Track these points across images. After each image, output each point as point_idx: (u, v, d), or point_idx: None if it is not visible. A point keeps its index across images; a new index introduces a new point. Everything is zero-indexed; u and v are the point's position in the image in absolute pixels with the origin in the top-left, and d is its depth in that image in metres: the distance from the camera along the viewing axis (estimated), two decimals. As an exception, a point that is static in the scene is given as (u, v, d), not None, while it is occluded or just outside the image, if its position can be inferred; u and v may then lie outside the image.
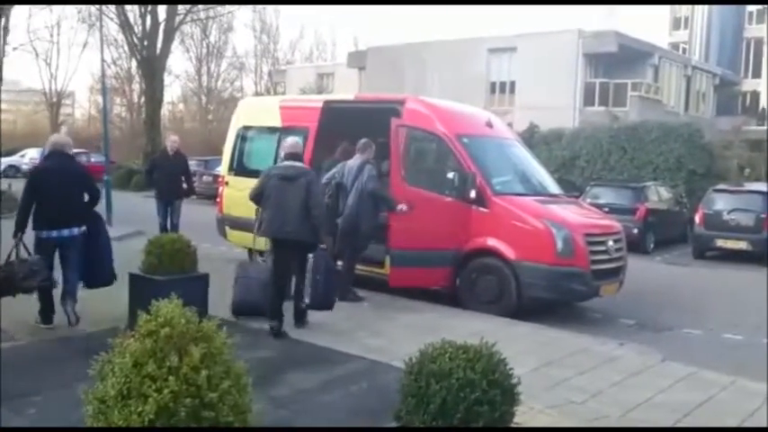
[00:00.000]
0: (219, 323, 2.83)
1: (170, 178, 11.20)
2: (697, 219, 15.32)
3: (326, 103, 9.99)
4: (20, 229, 6.38)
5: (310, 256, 6.90)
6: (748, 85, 41.87)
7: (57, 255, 6.67)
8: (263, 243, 7.62)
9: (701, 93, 35.95)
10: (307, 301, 6.96)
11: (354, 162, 8.40)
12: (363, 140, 8.51)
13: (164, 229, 10.88)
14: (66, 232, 6.56)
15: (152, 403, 2.47)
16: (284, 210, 6.71)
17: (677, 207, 17.68)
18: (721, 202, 15.17)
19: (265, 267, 7.47)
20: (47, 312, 6.60)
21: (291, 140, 7.34)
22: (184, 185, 11.56)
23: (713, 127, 24.39)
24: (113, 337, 2.87)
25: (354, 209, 8.22)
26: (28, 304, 6.63)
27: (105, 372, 2.69)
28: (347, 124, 9.45)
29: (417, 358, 3.76)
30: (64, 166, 6.68)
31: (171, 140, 11.62)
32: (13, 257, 6.23)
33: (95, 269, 6.83)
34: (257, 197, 7.03)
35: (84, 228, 6.72)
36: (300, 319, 7.05)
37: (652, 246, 15.68)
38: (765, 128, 31.70)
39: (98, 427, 2.57)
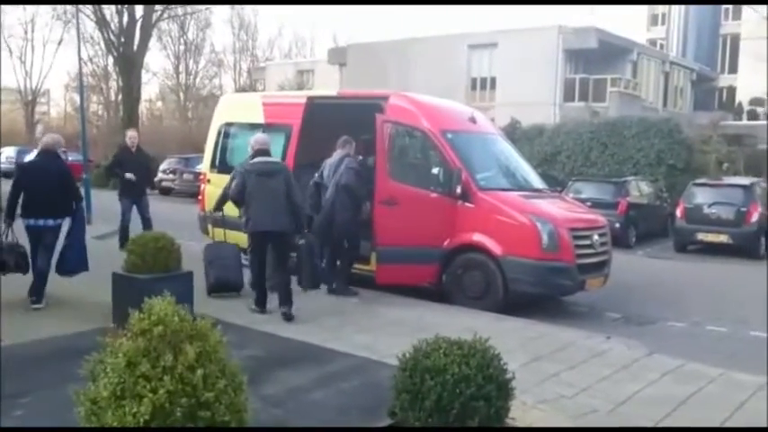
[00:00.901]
0: (214, 321, 2.78)
1: (137, 174, 10.97)
2: (678, 212, 15.45)
3: (310, 99, 9.93)
4: (9, 216, 7.21)
5: (302, 242, 7.49)
6: (724, 80, 42.32)
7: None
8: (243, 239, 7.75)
9: (679, 88, 36.27)
10: (306, 285, 7.74)
11: (334, 158, 8.45)
12: (344, 137, 8.53)
13: (126, 228, 10.74)
14: (42, 222, 7.25)
15: (147, 404, 2.41)
16: (269, 204, 7.05)
17: (658, 201, 17.85)
18: (702, 196, 15.31)
19: (234, 247, 8.15)
20: (39, 291, 7.30)
21: (261, 137, 7.66)
22: None
23: (691, 122, 24.53)
24: (102, 336, 2.81)
25: (330, 202, 8.31)
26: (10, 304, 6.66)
27: (97, 372, 2.62)
28: (331, 120, 9.39)
29: (411, 354, 3.73)
30: (50, 163, 7.40)
31: (130, 136, 11.39)
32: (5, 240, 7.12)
33: (65, 256, 7.44)
34: (239, 195, 7.22)
35: (62, 220, 7.39)
36: (289, 309, 7.24)
37: (634, 240, 15.80)
38: (742, 123, 32.12)
39: (98, 428, 2.51)
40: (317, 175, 8.63)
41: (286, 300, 7.24)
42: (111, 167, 11.48)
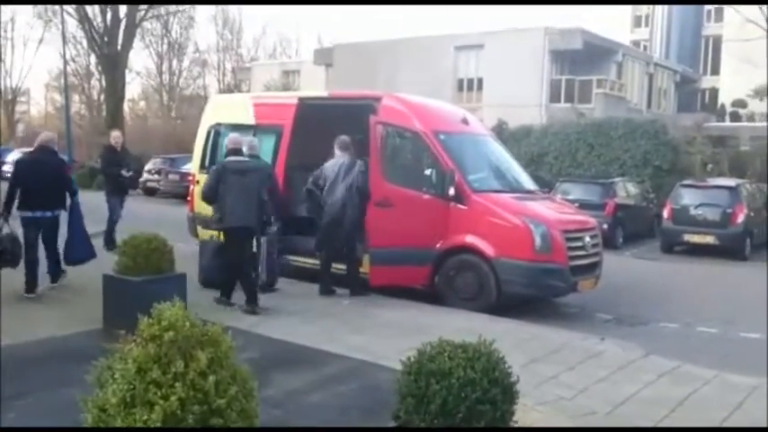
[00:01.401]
0: (225, 327, 2.74)
1: (125, 169, 11.28)
2: (665, 213, 15.56)
3: (301, 100, 9.88)
4: (6, 209, 7.59)
5: (263, 239, 7.87)
6: (707, 81, 42.72)
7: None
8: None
9: (663, 90, 36.56)
10: (264, 278, 8.06)
11: (340, 160, 8.44)
12: (343, 138, 8.50)
13: (114, 226, 11.07)
14: (39, 214, 7.68)
15: (158, 411, 2.37)
16: (243, 201, 7.39)
17: (644, 202, 17.95)
18: (688, 197, 15.42)
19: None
20: (31, 283, 7.64)
21: (234, 137, 8.10)
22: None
23: (676, 123, 24.73)
24: (101, 340, 2.77)
25: (341, 203, 8.30)
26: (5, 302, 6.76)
27: (104, 378, 2.58)
28: (323, 122, 9.37)
29: (416, 357, 3.72)
30: (46, 159, 7.87)
31: (114, 136, 11.64)
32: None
33: (70, 247, 7.93)
34: (212, 193, 7.51)
35: (59, 212, 7.86)
36: (256, 301, 7.52)
37: (621, 240, 15.88)
38: (726, 124, 32.45)
39: (102, 428, 2.46)
40: (310, 180, 8.61)
41: (253, 297, 7.50)
42: (105, 168, 11.51)
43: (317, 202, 8.61)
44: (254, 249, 7.81)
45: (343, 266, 8.63)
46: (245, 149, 8.41)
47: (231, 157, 7.66)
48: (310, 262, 9.29)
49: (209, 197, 7.63)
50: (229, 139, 8.03)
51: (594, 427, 4.56)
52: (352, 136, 8.94)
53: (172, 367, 2.47)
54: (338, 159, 8.44)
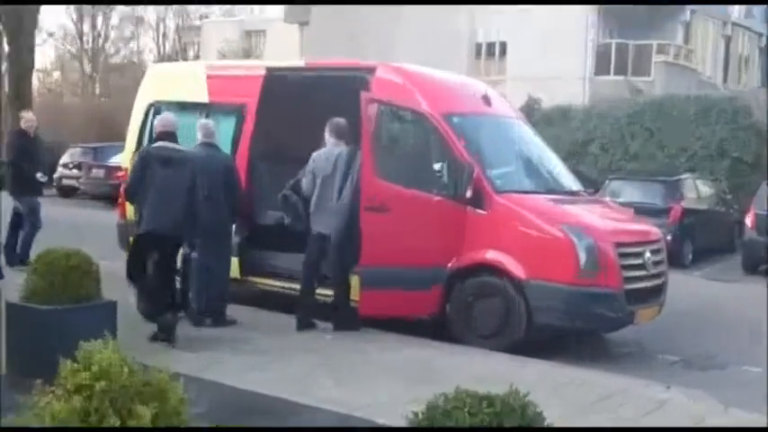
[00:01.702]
0: (174, 373, 2.74)
1: (41, 167, 11.58)
2: (748, 222, 15.64)
3: (270, 70, 9.91)
4: None
5: (193, 255, 8.03)
6: (802, 47, 43.00)
7: None
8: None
9: (744, 58, 36.81)
10: (195, 305, 8.24)
11: (336, 149, 8.50)
12: (338, 120, 8.54)
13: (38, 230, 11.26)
14: None
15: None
16: (169, 200, 7.46)
17: (721, 206, 18.04)
18: (779, 200, 15.48)
19: None
20: None
21: (166, 117, 8.27)
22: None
23: (760, 103, 24.89)
24: (8, 394, 2.77)
25: (348, 204, 8.34)
26: None
27: (13, 442, 2.57)
28: (298, 99, 9.42)
29: (425, 413, 3.71)
30: None
31: (27, 120, 11.91)
32: None
33: None
34: (134, 188, 7.72)
35: None
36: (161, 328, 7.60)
37: (690, 257, 15.97)
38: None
39: (107, 428, 2.45)
40: (290, 183, 8.71)
41: (161, 321, 7.58)
42: (16, 159, 11.52)
43: (296, 210, 8.62)
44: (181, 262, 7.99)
45: (324, 291, 8.65)
46: (198, 136, 8.47)
47: (160, 143, 7.81)
48: (280, 285, 9.31)
49: (130, 193, 7.92)
50: (160, 120, 8.26)
51: (595, 427, 4.58)
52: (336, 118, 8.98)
53: (104, 425, 2.46)
54: (332, 149, 8.49)
